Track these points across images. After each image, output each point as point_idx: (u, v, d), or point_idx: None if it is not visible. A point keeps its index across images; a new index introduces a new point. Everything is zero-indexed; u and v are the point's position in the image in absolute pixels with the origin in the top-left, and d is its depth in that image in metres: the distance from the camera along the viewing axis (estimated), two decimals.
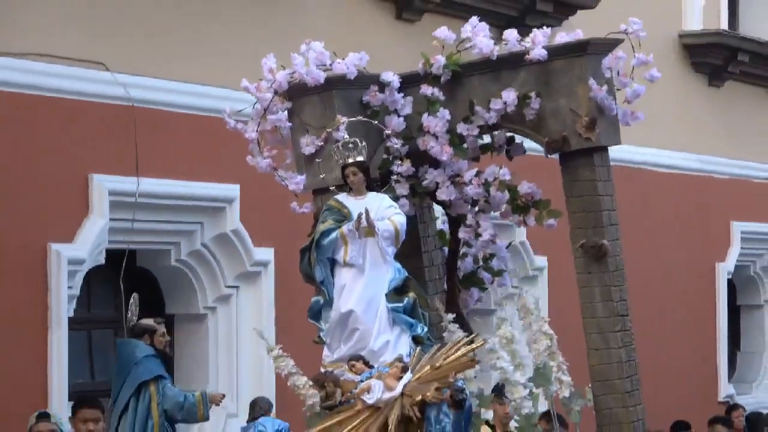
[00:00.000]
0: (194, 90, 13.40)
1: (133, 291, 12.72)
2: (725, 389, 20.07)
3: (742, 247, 20.66)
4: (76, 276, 12.54)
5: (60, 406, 12.27)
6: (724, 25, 20.31)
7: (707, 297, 19.90)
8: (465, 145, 9.96)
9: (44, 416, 10.45)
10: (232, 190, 13.70)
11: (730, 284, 20.85)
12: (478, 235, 10.31)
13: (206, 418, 8.86)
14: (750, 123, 20.87)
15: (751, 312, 21.77)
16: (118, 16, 12.94)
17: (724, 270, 20.32)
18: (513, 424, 10.29)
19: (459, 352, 8.42)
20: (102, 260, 12.87)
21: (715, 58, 19.89)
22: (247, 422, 11.12)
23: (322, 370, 8.94)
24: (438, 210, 10.40)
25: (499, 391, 10.50)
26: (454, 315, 9.92)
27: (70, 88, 12.51)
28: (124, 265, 13.08)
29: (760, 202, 20.82)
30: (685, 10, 19.61)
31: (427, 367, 8.31)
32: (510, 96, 9.72)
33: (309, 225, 9.81)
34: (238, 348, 13.97)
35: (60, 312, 12.32)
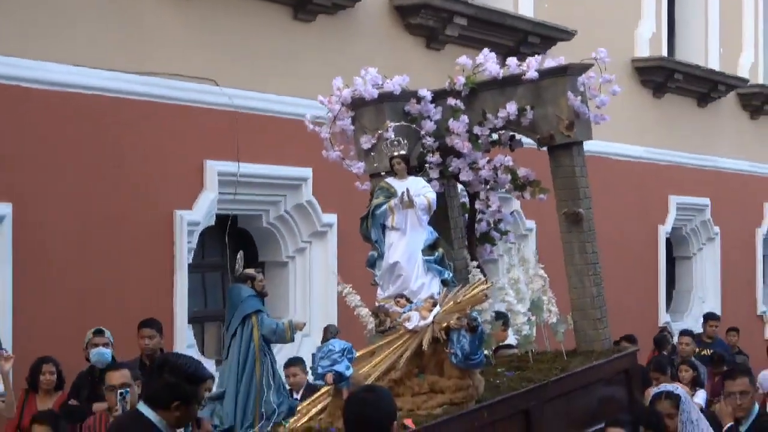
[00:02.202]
0: (280, 99, 13.37)
1: (236, 246, 12.79)
2: (664, 317, 19.99)
3: (677, 215, 20.57)
4: (194, 234, 12.56)
5: (182, 327, 12.33)
6: (664, 52, 20.19)
7: (651, 250, 19.84)
8: (480, 141, 9.95)
9: (100, 332, 10.25)
10: (307, 171, 13.67)
11: (668, 241, 20.76)
12: (488, 206, 10.33)
13: (292, 340, 8.86)
14: (683, 124, 20.76)
15: (683, 261, 21.67)
16: (225, 45, 12.95)
17: (663, 231, 20.23)
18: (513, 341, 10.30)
19: (474, 291, 8.40)
20: (212, 222, 12.88)
21: (658, 77, 19.79)
22: (321, 343, 11.14)
23: (377, 304, 8.95)
24: (460, 187, 10.38)
25: (504, 320, 10.50)
26: (477, 263, 9.94)
27: (191, 98, 12.51)
28: (228, 226, 13.11)
29: (690, 181, 20.73)
30: (636, 41, 19.50)
31: (451, 303, 8.28)
32: (512, 108, 9.69)
33: (362, 198, 9.81)
34: (311, 287, 13.97)
35: (182, 260, 12.35)
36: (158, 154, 12.19)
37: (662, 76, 19.82)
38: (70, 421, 9.14)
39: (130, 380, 8.47)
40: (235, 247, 13.26)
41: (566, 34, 16.92)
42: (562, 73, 9.74)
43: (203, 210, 12.59)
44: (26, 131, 11.13)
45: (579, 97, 9.68)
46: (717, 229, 21.55)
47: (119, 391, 8.14)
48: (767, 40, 23.15)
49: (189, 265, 12.46)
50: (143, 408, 5.75)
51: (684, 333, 14.91)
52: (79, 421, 8.92)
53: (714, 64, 21.41)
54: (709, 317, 17.13)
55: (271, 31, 13.44)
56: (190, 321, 12.56)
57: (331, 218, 13.95)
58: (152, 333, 10.59)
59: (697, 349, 14.95)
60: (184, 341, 12.27)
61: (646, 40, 19.66)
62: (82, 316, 11.04)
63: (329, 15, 13.99)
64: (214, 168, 12.66)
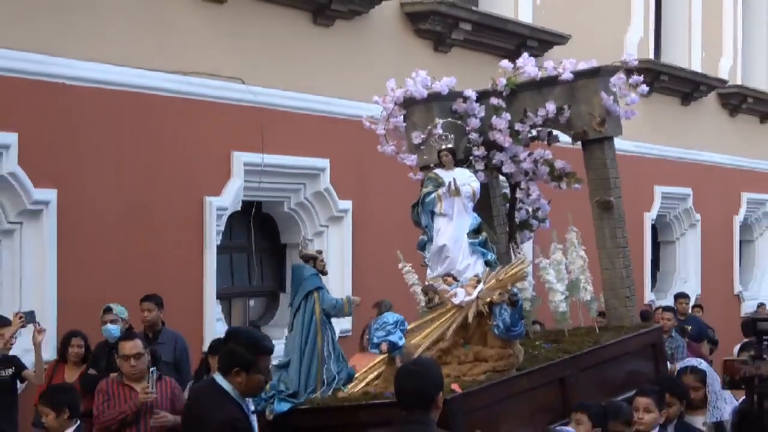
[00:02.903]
0: (301, 96, 13.33)
1: (261, 229, 12.80)
2: (649, 296, 19.96)
3: (661, 203, 20.51)
4: (222, 218, 12.55)
5: (211, 303, 12.33)
6: (651, 55, 20.14)
7: (638, 235, 19.74)
8: (520, 137, 9.97)
9: (108, 310, 10.25)
10: (325, 162, 13.63)
11: (654, 227, 20.72)
12: (528, 195, 10.33)
13: (350, 314, 8.88)
14: (668, 121, 20.69)
15: (667, 246, 21.62)
16: (251, 47, 12.93)
17: (649, 218, 20.20)
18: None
19: (514, 270, 8.47)
20: (239, 208, 12.88)
21: (646, 77, 19.27)
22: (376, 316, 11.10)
23: (427, 283, 9.00)
24: (501, 178, 10.39)
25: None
26: (517, 246, 9.97)
27: (220, 95, 12.50)
28: (253, 211, 13.11)
29: (674, 173, 20.67)
30: (625, 45, 19.38)
31: (493, 280, 8.36)
32: (551, 107, 9.74)
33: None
34: (328, 266, 13.88)
35: (211, 241, 12.34)
36: (190, 146, 12.18)
37: (649, 77, 19.62)
38: (89, 390, 9.11)
39: (142, 349, 8.46)
40: (259, 231, 13.35)
41: (562, 39, 16.89)
42: (594, 74, 9.79)
43: (230, 196, 12.58)
44: (70, 124, 11.14)
45: (611, 96, 9.71)
46: (698, 216, 21.48)
47: (150, 368, 8.19)
48: (745, 45, 23.11)
49: (217, 246, 12.46)
50: (217, 377, 5.86)
51: (666, 309, 15.04)
52: None
53: (696, 66, 21.36)
54: (679, 296, 17.32)
55: (293, 35, 13.41)
56: (218, 297, 12.56)
57: (347, 204, 13.92)
58: (150, 306, 10.64)
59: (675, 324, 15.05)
60: (213, 315, 12.28)
61: (635, 44, 19.58)
62: (120, 293, 11.04)
63: (346, 20, 13.95)
64: (240, 158, 12.65)
